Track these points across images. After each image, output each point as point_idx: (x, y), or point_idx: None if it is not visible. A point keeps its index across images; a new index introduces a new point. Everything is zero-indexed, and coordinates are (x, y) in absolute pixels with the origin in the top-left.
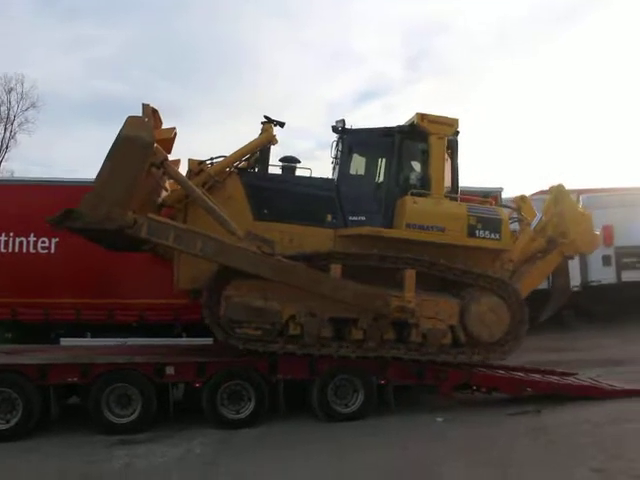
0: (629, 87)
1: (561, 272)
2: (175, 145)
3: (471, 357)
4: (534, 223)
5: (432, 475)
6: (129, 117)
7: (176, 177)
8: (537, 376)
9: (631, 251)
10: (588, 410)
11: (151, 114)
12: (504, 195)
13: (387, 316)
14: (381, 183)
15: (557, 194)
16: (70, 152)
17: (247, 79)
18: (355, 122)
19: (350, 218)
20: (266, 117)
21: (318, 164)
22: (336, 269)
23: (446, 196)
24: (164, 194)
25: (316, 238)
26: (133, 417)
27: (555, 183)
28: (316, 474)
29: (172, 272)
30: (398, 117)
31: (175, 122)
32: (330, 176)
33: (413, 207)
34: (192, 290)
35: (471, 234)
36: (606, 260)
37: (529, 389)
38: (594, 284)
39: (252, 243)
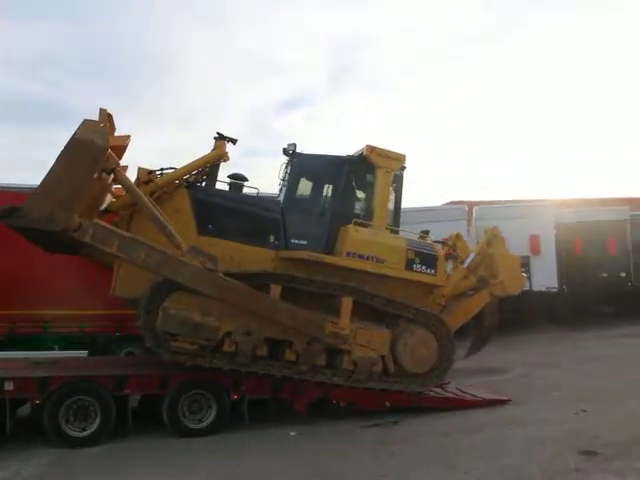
0: (541, 107)
1: (490, 311)
2: None
3: (407, 386)
4: (467, 261)
5: None
6: (85, 120)
7: (126, 185)
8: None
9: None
10: (444, 420)
11: (107, 119)
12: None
13: (321, 341)
14: (326, 209)
15: (491, 237)
16: None
17: (169, 86)
18: (278, 131)
19: (293, 241)
20: (219, 133)
21: (240, 170)
22: (275, 290)
23: (387, 228)
24: (109, 200)
25: (257, 258)
26: None
27: (490, 226)
28: None
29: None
30: (320, 128)
31: None
32: (277, 197)
33: (355, 236)
34: (128, 299)
35: (409, 267)
36: None
37: (387, 403)
38: None
39: (195, 258)
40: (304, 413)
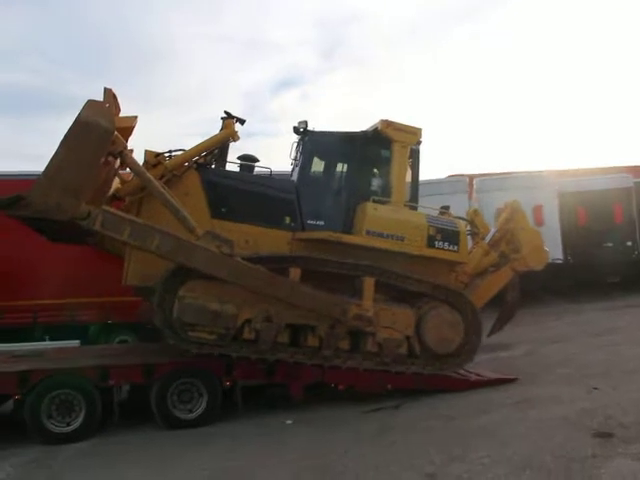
0: (535, 78)
1: (512, 287)
2: None
3: (424, 368)
4: (488, 237)
5: None
6: (89, 101)
7: (135, 168)
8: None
9: None
10: (447, 403)
11: (112, 99)
12: None
13: (345, 324)
14: (342, 188)
15: (512, 211)
16: None
17: (161, 69)
18: (272, 111)
19: (308, 222)
20: (226, 112)
21: (236, 153)
22: (295, 273)
23: (406, 205)
24: (116, 185)
25: (273, 240)
26: None
27: (510, 200)
28: None
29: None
30: (314, 107)
31: None
32: (290, 177)
33: (374, 214)
34: (141, 288)
35: (430, 244)
36: None
37: (389, 385)
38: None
39: (211, 242)
40: (300, 397)
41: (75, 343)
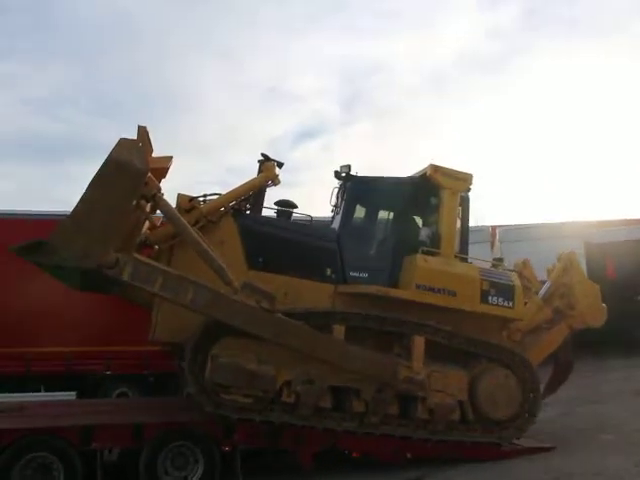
0: (563, 129)
1: (565, 345)
2: None
3: (483, 436)
4: (542, 291)
5: None
6: (121, 139)
7: (169, 213)
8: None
9: None
10: (477, 476)
11: (146, 138)
12: None
13: (394, 387)
14: (387, 237)
15: (567, 263)
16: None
17: (185, 119)
18: (294, 160)
19: (351, 274)
20: (264, 155)
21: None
22: (339, 331)
23: (456, 256)
24: (145, 231)
25: (314, 294)
26: None
27: (566, 251)
28: None
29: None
30: (336, 157)
31: None
32: (330, 225)
33: (424, 266)
34: (169, 344)
35: (484, 300)
36: None
37: (408, 454)
38: None
39: (250, 296)
40: (310, 466)
41: (71, 395)
